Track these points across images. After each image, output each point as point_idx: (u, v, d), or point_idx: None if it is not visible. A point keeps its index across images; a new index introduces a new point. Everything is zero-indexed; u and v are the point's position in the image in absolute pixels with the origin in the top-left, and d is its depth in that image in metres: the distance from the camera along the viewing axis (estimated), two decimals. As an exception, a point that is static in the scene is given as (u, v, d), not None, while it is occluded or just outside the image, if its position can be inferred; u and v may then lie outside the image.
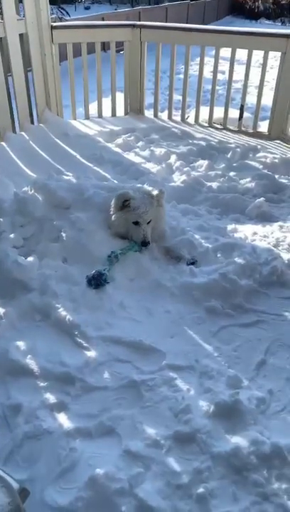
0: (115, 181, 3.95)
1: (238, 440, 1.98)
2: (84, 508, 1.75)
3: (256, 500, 1.79)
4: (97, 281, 2.75)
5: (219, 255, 3.14)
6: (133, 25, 5.42)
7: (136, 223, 3.03)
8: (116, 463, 1.91)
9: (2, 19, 4.46)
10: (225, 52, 5.49)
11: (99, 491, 1.80)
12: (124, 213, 3.02)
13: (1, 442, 2.01)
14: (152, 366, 2.34)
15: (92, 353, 2.40)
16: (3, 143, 4.67)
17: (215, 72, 5.38)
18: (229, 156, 4.73)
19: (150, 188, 3.17)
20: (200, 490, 1.81)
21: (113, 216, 3.05)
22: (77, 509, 1.75)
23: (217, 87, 5.70)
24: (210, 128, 5.62)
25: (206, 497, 1.80)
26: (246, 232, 3.45)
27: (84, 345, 2.45)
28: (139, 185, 3.33)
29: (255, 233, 3.43)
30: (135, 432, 2.04)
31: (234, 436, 2.00)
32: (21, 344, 2.46)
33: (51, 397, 2.19)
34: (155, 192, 3.09)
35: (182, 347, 2.49)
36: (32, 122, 5.18)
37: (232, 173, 4.34)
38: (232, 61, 5.22)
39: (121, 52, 5.67)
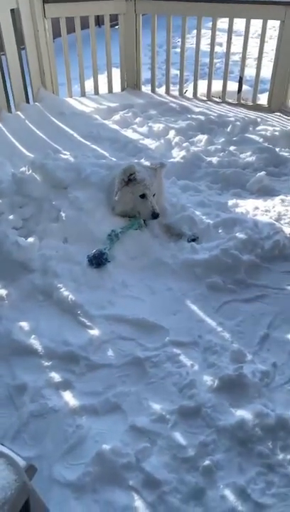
0: (113, 159, 3.90)
1: (243, 413, 1.99)
2: (92, 483, 1.78)
3: (261, 471, 1.82)
4: (98, 261, 2.74)
5: (220, 231, 3.12)
6: (128, -3, 5.27)
7: (143, 196, 2.98)
8: (122, 438, 1.93)
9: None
10: (222, 23, 5.34)
11: (107, 466, 1.83)
12: (130, 187, 2.97)
13: (8, 421, 2.04)
14: (156, 343, 2.35)
15: (95, 332, 2.41)
16: (-1, 123, 4.61)
17: (212, 44, 5.24)
18: (228, 129, 4.64)
19: (148, 162, 3.11)
20: (206, 462, 1.84)
21: (117, 194, 3.00)
22: (85, 484, 1.78)
23: (215, 60, 5.56)
24: (208, 102, 5.51)
25: (212, 469, 1.82)
26: (248, 206, 3.42)
27: (87, 324, 2.45)
28: (136, 160, 3.27)
29: (256, 208, 3.40)
30: (140, 408, 2.06)
31: (239, 409, 2.02)
32: (25, 325, 2.47)
33: (56, 376, 2.21)
34: (156, 165, 3.04)
35: (185, 323, 2.49)
36: (27, 101, 5.09)
37: (232, 148, 4.27)
38: (230, 32, 5.08)
39: (116, 27, 5.53)
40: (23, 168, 3.43)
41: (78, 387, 2.17)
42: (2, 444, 1.29)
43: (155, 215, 2.99)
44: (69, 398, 2.11)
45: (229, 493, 1.75)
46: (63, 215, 3.02)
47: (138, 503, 1.74)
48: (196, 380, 2.14)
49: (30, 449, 1.93)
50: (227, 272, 2.78)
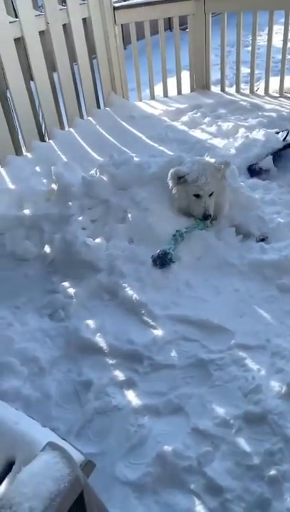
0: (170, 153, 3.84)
1: (313, 422, 1.87)
2: (152, 484, 1.77)
3: None
4: (163, 261, 2.73)
5: (292, 230, 2.97)
6: (197, -3, 5.23)
7: (197, 196, 2.93)
8: (184, 441, 1.90)
9: (65, 5, 4.50)
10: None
11: (168, 468, 1.80)
12: (183, 186, 2.94)
13: (74, 417, 2.08)
14: (220, 345, 2.29)
15: (159, 332, 2.39)
16: (71, 129, 4.78)
17: (285, 38, 5.03)
18: (302, 125, 4.43)
19: (213, 160, 3.04)
20: (272, 472, 1.75)
21: (174, 189, 2.98)
22: (145, 484, 1.77)
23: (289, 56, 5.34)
24: (281, 98, 5.30)
25: (279, 479, 1.73)
26: None
27: (151, 323, 2.45)
28: (198, 157, 3.19)
29: None
30: (203, 411, 2.01)
31: (309, 418, 1.90)
32: (91, 323, 2.52)
33: (120, 375, 2.23)
34: (219, 163, 2.96)
35: (252, 326, 2.40)
36: (98, 107, 5.23)
37: (305, 144, 4.06)
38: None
39: (186, 30, 5.51)
40: (92, 172, 3.52)
41: (141, 386, 2.16)
42: (63, 439, 1.31)
43: (206, 216, 2.92)
44: (132, 397, 2.12)
45: (297, 507, 1.65)
46: (129, 215, 3.05)
47: (200, 508, 1.69)
48: (263, 385, 2.05)
49: (94, 446, 1.96)
50: (299, 273, 2.65)
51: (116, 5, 5.10)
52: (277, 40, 5.33)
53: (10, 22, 3.95)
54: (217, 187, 2.96)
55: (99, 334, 2.44)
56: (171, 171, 2.94)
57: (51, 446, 1.03)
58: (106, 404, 2.09)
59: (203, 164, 2.95)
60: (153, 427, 1.97)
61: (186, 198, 2.97)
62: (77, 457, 1.18)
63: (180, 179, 2.92)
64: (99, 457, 1.88)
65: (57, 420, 2.06)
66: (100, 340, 2.40)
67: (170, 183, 2.97)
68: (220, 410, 1.99)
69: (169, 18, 5.64)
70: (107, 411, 2.07)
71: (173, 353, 2.28)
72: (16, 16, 4.05)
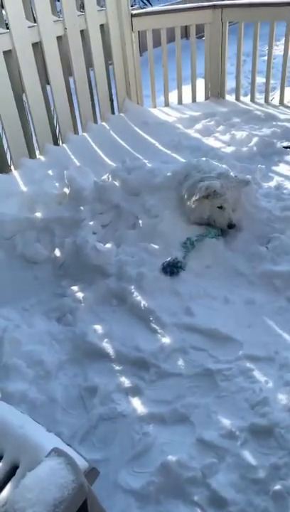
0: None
1: None
2: (155, 493, 1.75)
3: None
4: (172, 268, 2.72)
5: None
6: (214, 6, 5.24)
7: (220, 207, 2.95)
8: (189, 451, 1.88)
9: (83, 11, 4.53)
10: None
11: (171, 478, 1.79)
12: (209, 200, 2.95)
13: (78, 422, 2.07)
14: (228, 355, 2.27)
15: (166, 339, 2.38)
16: (85, 133, 4.79)
17: (302, 48, 5.02)
18: (317, 136, 4.41)
19: (232, 174, 3.07)
20: (278, 487, 1.72)
21: (193, 203, 2.98)
22: (149, 493, 1.75)
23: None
24: (296, 109, 5.28)
25: (284, 495, 1.70)
26: None
27: (159, 331, 2.44)
28: (225, 166, 3.21)
29: None
30: (209, 422, 1.99)
31: (316, 433, 1.87)
32: (98, 328, 2.52)
33: (126, 381, 2.22)
34: (241, 181, 3.02)
35: (260, 337, 2.38)
36: (112, 112, 5.25)
37: None
38: None
39: (203, 38, 5.53)
40: (104, 177, 3.53)
41: (147, 394, 2.15)
42: (68, 445, 1.30)
43: (231, 226, 2.96)
44: (137, 404, 2.11)
45: (302, 523, 1.62)
46: (140, 222, 3.05)
47: (203, 520, 1.67)
48: (270, 398, 2.03)
49: (98, 452, 1.95)
50: (310, 285, 2.62)
51: (134, 12, 5.12)
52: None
53: (29, 27, 3.99)
54: (237, 198, 3.01)
55: (106, 340, 2.43)
56: (206, 185, 2.93)
57: (56, 452, 1.02)
58: (112, 411, 2.08)
59: (227, 176, 3.01)
60: (157, 435, 1.96)
61: (210, 210, 2.99)
62: (82, 464, 1.17)
63: (211, 194, 2.93)
64: (102, 464, 1.87)
65: (61, 425, 2.06)
66: (107, 346, 2.40)
67: (197, 196, 2.95)
68: (226, 421, 1.97)
69: (186, 26, 5.64)
70: (112, 417, 2.07)
71: (180, 362, 2.27)
72: (35, 21, 4.09)
